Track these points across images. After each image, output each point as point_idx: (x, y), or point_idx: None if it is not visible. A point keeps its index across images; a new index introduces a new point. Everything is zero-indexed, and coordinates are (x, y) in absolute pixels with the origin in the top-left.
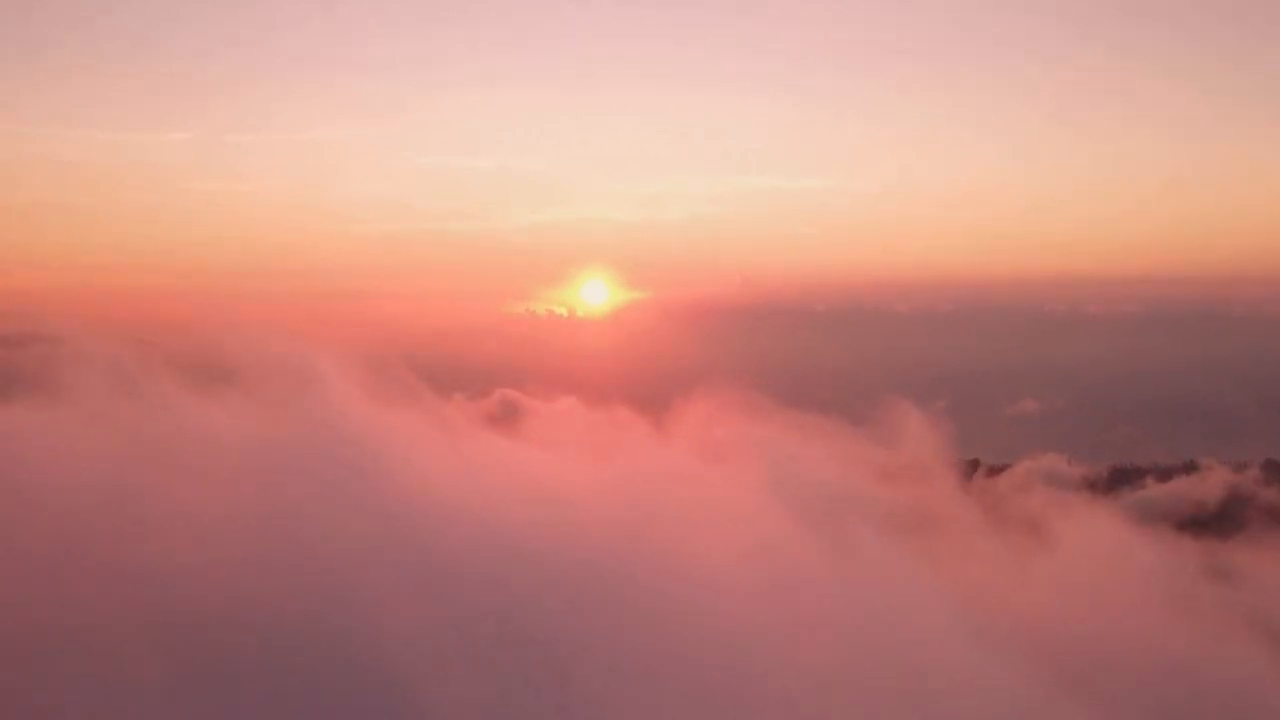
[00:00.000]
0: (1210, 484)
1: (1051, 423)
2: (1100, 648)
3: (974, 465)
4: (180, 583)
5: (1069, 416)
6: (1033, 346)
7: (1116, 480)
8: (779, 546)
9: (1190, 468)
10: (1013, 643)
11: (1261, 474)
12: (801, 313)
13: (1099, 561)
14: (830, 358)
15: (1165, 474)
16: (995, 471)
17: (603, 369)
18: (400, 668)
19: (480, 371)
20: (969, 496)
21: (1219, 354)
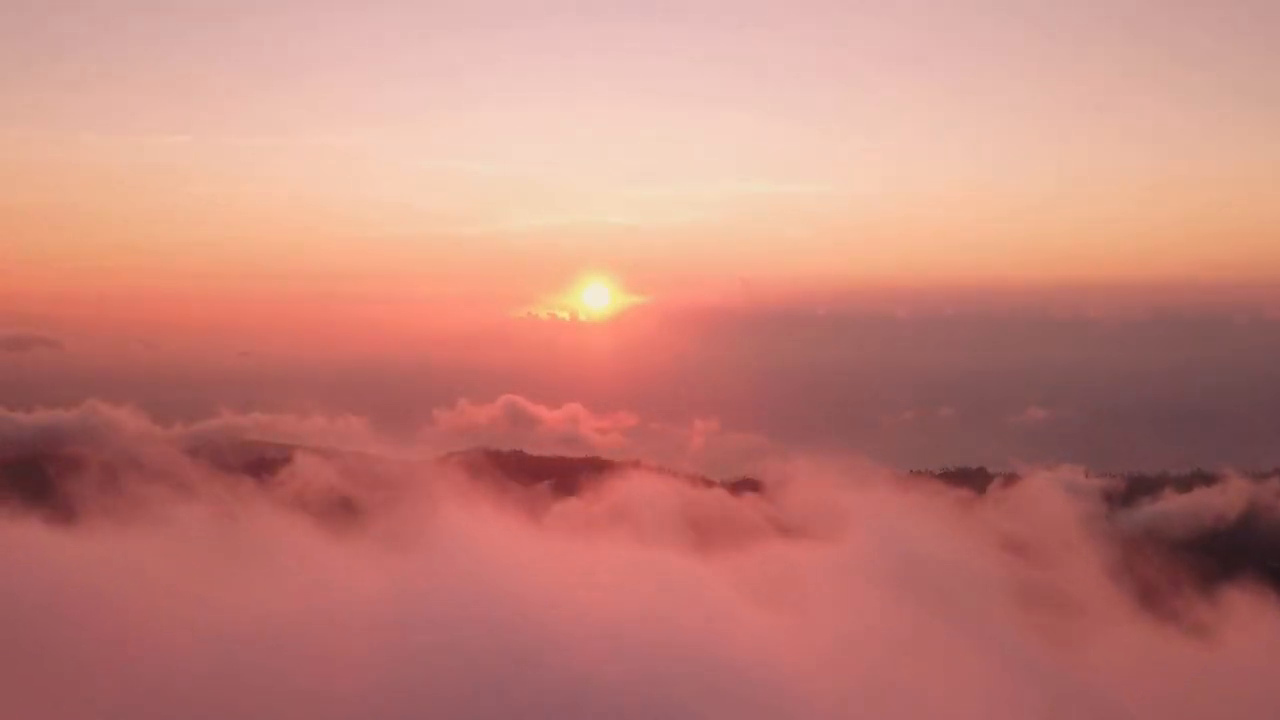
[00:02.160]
0: (1231, 495)
1: (1060, 431)
2: None
3: (986, 476)
4: None
5: (1077, 425)
6: (1036, 352)
7: (1135, 491)
8: (925, 652)
9: (1210, 478)
10: None
11: None
12: (802, 317)
13: (1261, 657)
14: (832, 362)
15: (1185, 484)
16: (1010, 482)
17: (606, 374)
18: None
19: (484, 376)
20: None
21: (1223, 360)
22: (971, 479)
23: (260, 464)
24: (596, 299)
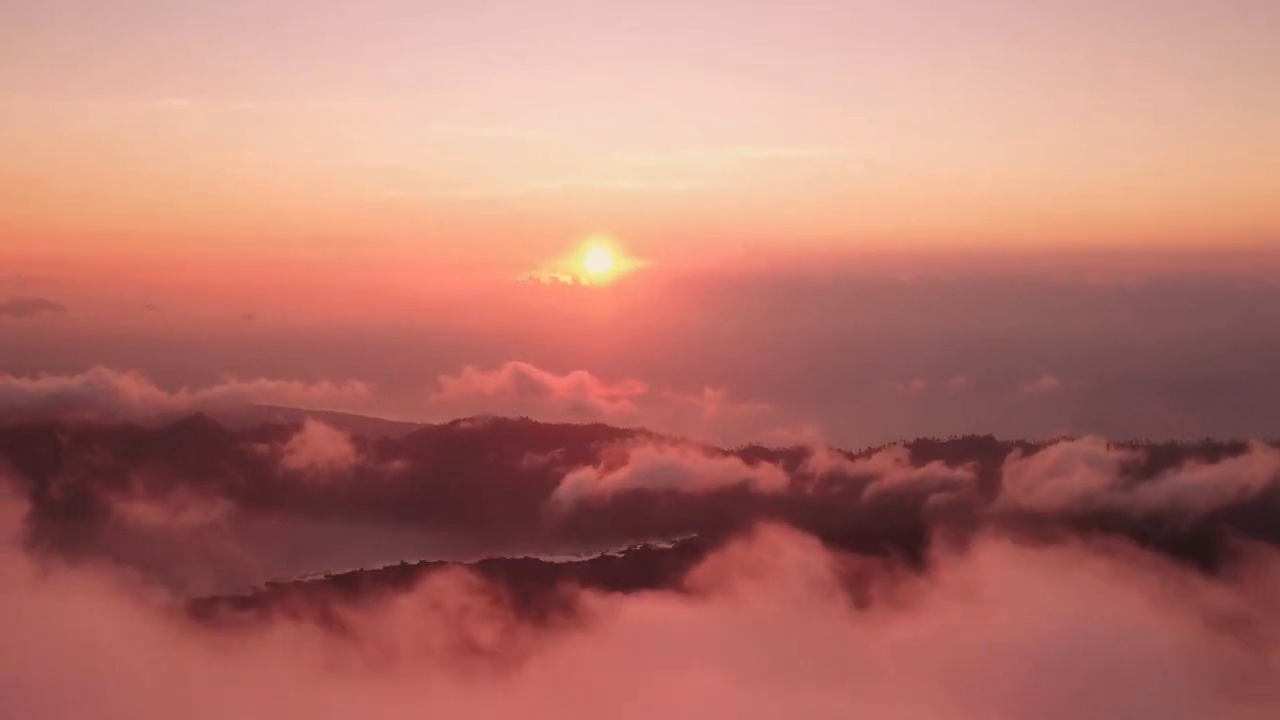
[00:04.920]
0: (1257, 466)
1: (1073, 400)
2: None
3: (1002, 445)
4: None
5: (1090, 394)
6: (1040, 319)
7: (1157, 462)
8: None
9: (1235, 448)
10: None
11: None
12: (808, 282)
13: None
14: (839, 329)
15: (1210, 455)
16: (1029, 452)
17: (611, 340)
18: None
19: (488, 342)
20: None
21: (1228, 327)
22: (980, 449)
23: (268, 430)
24: (598, 263)
